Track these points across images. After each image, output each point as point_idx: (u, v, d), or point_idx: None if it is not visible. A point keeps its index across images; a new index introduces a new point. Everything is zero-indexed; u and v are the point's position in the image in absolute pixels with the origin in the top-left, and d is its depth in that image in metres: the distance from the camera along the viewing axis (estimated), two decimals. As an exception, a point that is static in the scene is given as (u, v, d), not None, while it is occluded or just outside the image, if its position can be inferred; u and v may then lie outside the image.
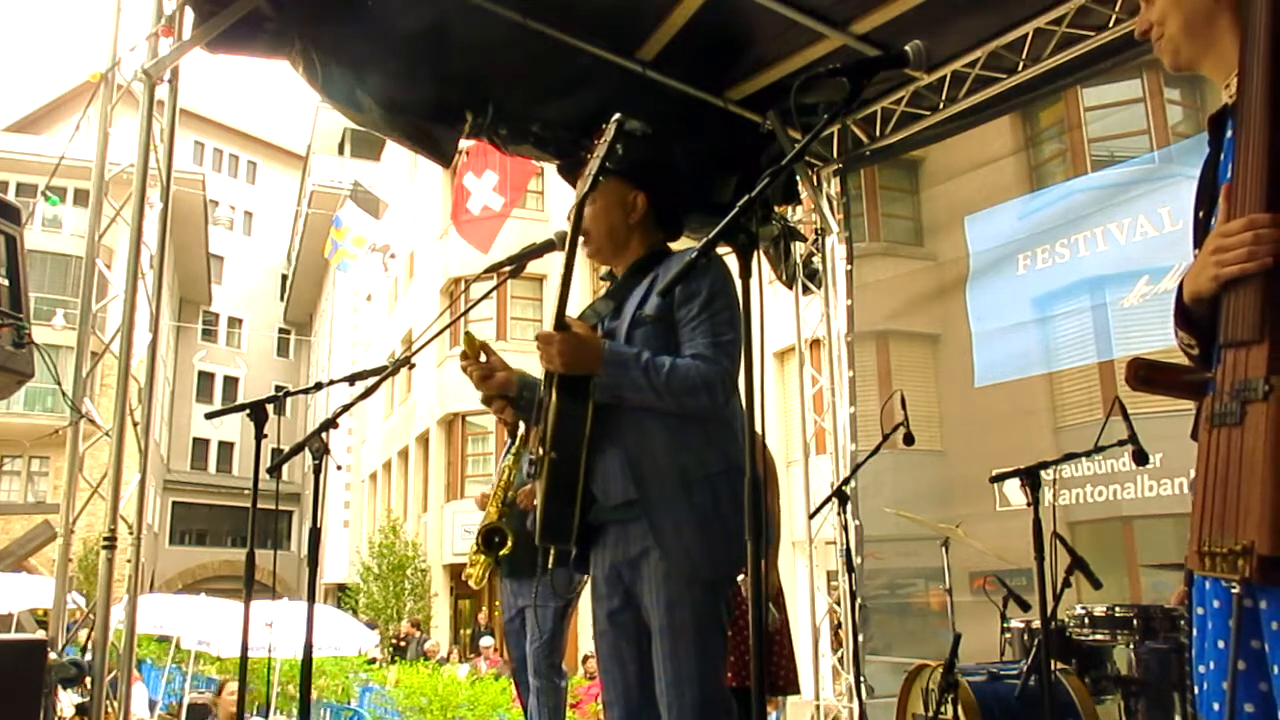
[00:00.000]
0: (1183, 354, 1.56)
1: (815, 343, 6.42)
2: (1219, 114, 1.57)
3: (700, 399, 2.14)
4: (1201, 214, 1.58)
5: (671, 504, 2.15)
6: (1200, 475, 1.38)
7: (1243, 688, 1.37)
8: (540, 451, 2.25)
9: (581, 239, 2.43)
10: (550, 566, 2.35)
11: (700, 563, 2.14)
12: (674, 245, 2.48)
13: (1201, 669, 1.45)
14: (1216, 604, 1.41)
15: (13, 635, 6.36)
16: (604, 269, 2.51)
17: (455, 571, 19.68)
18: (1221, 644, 1.39)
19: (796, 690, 3.62)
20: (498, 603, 8.96)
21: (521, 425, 3.71)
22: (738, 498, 2.15)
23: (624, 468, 2.19)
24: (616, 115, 2.17)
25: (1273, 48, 1.41)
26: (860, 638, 5.17)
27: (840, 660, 5.88)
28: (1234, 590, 1.31)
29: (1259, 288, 1.36)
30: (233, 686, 7.72)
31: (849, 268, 6.16)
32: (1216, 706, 1.39)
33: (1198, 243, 1.58)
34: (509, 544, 3.92)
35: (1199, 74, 1.61)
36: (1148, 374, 1.54)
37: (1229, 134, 1.52)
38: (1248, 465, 1.31)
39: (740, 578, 2.28)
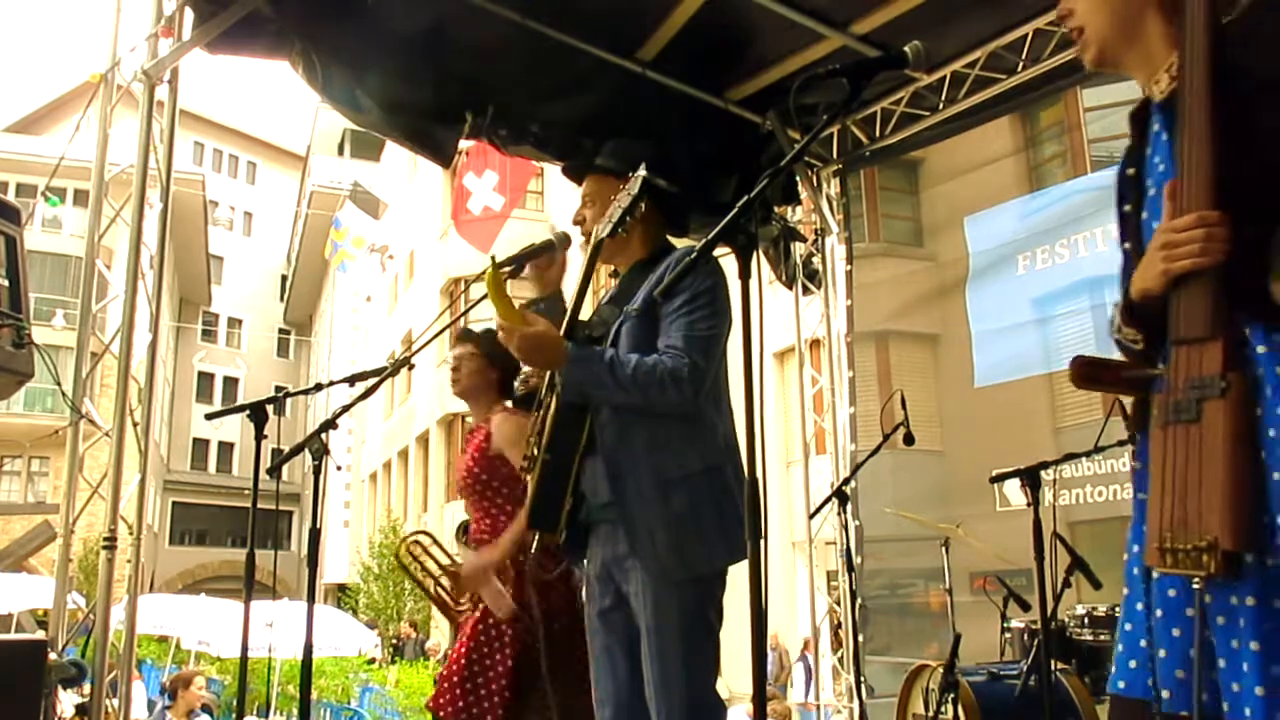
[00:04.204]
0: (1121, 349, 1.58)
1: (815, 343, 6.42)
2: (1140, 109, 1.59)
3: (667, 394, 2.13)
4: (1128, 208, 1.60)
5: (646, 506, 2.16)
6: (1157, 472, 1.39)
7: (1164, 673, 1.40)
8: (535, 451, 2.28)
9: (583, 238, 2.44)
10: (535, 551, 2.38)
11: (671, 564, 2.14)
12: (676, 243, 2.49)
13: (1134, 663, 1.47)
14: (1172, 593, 1.42)
15: (13, 635, 6.36)
16: (610, 266, 2.52)
17: (455, 572, 19.64)
18: (1177, 632, 1.41)
19: None
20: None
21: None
22: (716, 497, 2.16)
23: (604, 469, 2.20)
24: (644, 171, 2.16)
25: (1210, 47, 1.41)
26: (860, 638, 5.17)
27: (840, 660, 5.88)
28: (1196, 586, 1.32)
29: (1209, 285, 1.37)
30: (200, 681, 7.67)
31: (849, 268, 6.16)
32: (1166, 694, 1.40)
33: (1126, 236, 1.61)
34: None
35: (1120, 72, 1.61)
36: (1090, 371, 1.56)
37: (1155, 128, 1.54)
38: (1208, 462, 1.32)
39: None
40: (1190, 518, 1.32)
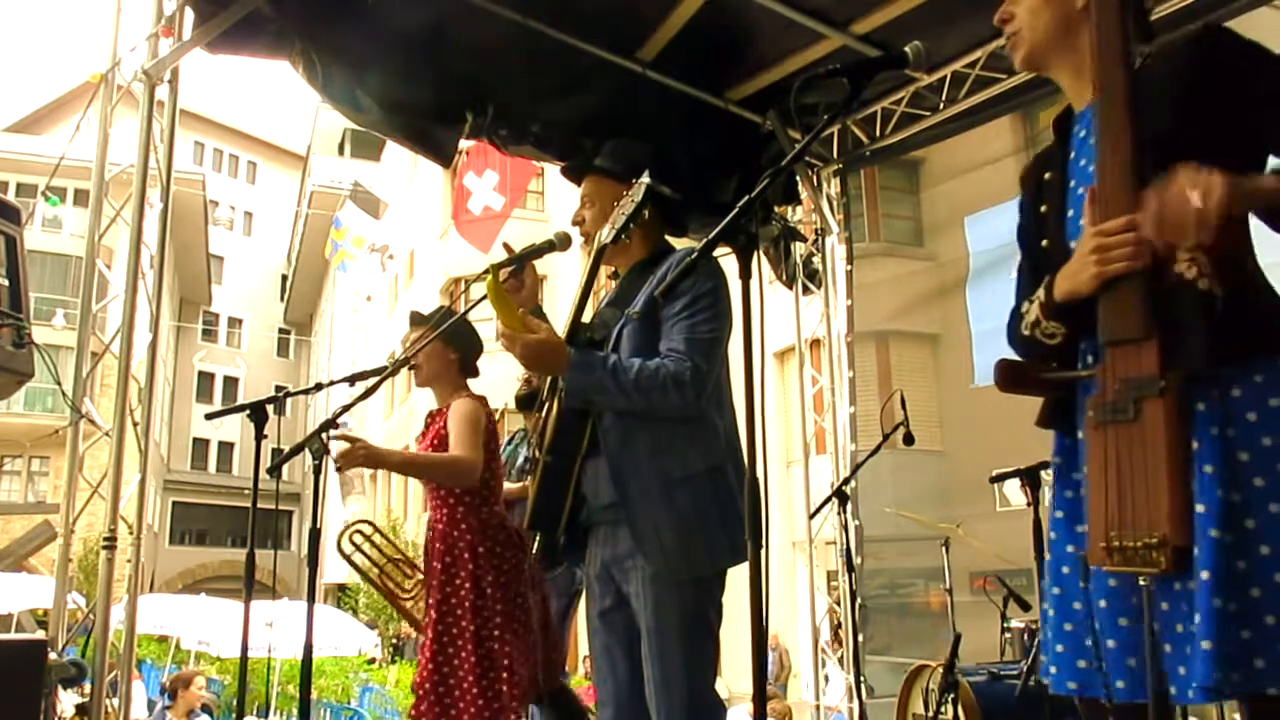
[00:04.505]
0: (1029, 348, 1.62)
1: (815, 343, 6.42)
2: (1064, 115, 1.69)
3: (670, 398, 2.14)
4: (1044, 209, 1.64)
5: (651, 506, 2.16)
6: (1096, 472, 1.42)
7: (1114, 663, 1.44)
8: (536, 453, 2.29)
9: (583, 239, 2.44)
10: (536, 551, 2.38)
11: (677, 564, 2.14)
12: (676, 244, 2.49)
13: (1073, 657, 1.48)
14: (1114, 583, 1.45)
15: (13, 635, 6.36)
16: (609, 266, 2.52)
17: (455, 571, 19.62)
18: (1124, 621, 1.44)
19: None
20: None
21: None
22: (720, 497, 2.17)
23: (608, 470, 2.20)
24: (647, 178, 2.17)
25: (1125, 54, 1.48)
26: (860, 638, 5.17)
27: (840, 660, 5.88)
28: (1144, 584, 1.35)
29: (1140, 287, 1.40)
30: (200, 681, 7.68)
31: (849, 268, 6.16)
32: (1121, 684, 1.43)
33: (1038, 235, 1.65)
34: None
35: (1047, 75, 1.72)
36: (1014, 374, 1.64)
37: (1081, 134, 1.61)
38: (1152, 461, 1.34)
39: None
40: (1137, 516, 1.34)
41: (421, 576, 3.93)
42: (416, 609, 3.76)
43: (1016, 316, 1.67)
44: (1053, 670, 1.52)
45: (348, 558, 3.81)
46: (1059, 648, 1.52)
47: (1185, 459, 1.35)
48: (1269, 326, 1.40)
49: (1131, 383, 1.38)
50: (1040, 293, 1.57)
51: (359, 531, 3.87)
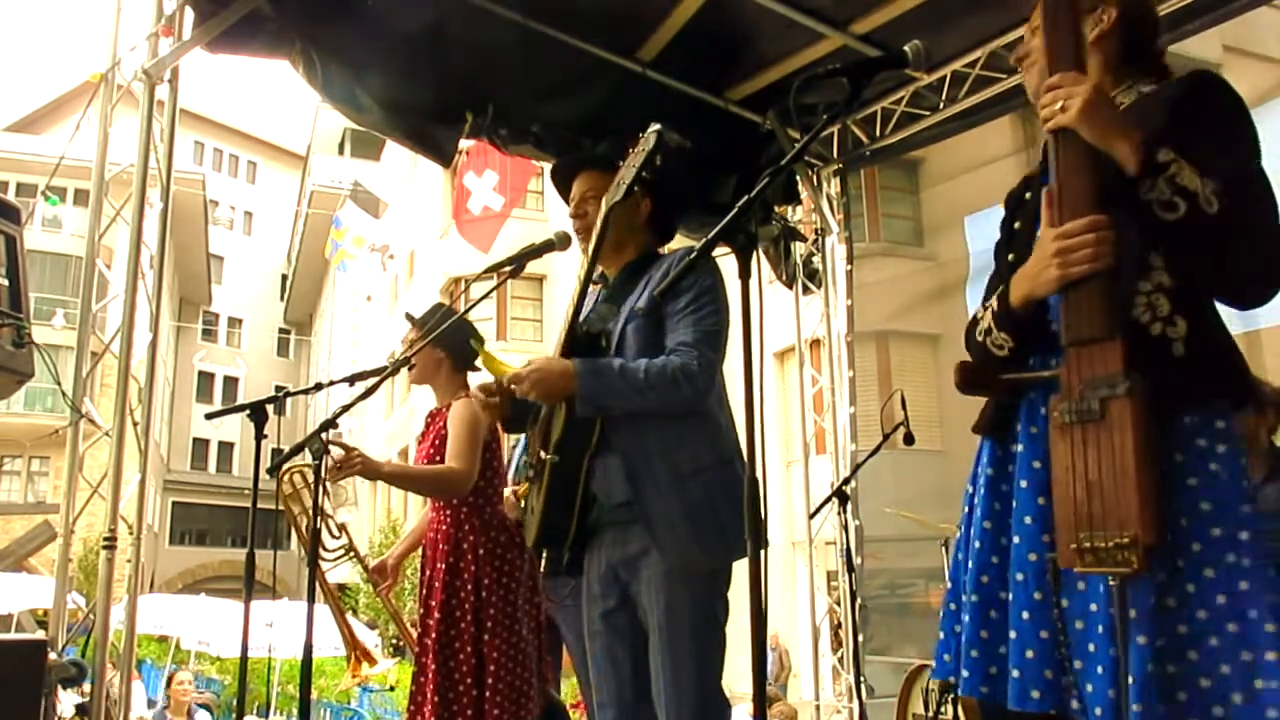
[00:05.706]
0: (983, 355, 1.62)
1: (815, 343, 6.41)
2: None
3: (682, 390, 2.15)
4: (1018, 225, 1.70)
5: (665, 501, 2.16)
6: (1063, 472, 1.42)
7: (1031, 673, 1.46)
8: (542, 455, 2.26)
9: (579, 236, 2.42)
10: (543, 570, 2.36)
11: (694, 557, 2.15)
12: (674, 244, 2.49)
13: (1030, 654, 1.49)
14: (1038, 596, 1.48)
15: (13, 635, 6.36)
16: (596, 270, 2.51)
17: (455, 571, 19.61)
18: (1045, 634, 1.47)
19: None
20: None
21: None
22: (730, 490, 2.17)
23: (621, 468, 2.19)
24: (657, 126, 2.15)
25: (1080, 58, 1.53)
26: (860, 638, 5.17)
27: (840, 660, 5.88)
28: (1113, 583, 1.35)
29: (1104, 286, 1.41)
30: (182, 676, 7.71)
31: (849, 268, 6.16)
32: (1036, 694, 1.46)
33: (1006, 250, 1.70)
34: None
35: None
36: (975, 376, 1.64)
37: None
38: (1120, 460, 1.35)
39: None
40: (1107, 515, 1.35)
41: (346, 541, 3.93)
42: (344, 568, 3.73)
43: (974, 323, 1.68)
44: (965, 674, 1.55)
45: (286, 499, 3.79)
46: (973, 653, 1.55)
47: (1153, 456, 1.36)
48: (1221, 368, 1.47)
49: (1096, 382, 1.39)
50: (993, 301, 1.58)
51: (301, 474, 3.83)
